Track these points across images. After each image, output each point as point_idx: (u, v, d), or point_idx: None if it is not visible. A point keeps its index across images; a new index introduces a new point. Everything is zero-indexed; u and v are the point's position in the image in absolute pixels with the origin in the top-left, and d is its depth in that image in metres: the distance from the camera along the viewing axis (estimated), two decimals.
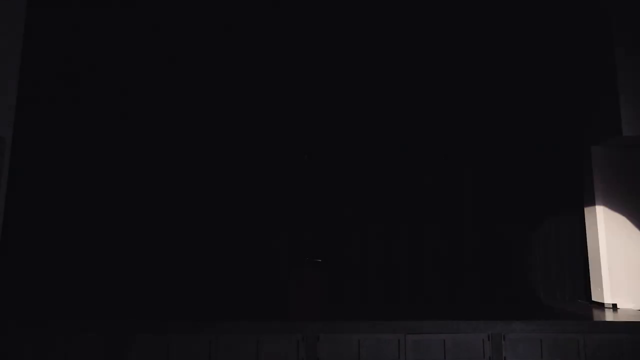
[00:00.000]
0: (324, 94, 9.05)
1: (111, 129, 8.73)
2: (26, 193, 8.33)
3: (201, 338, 6.30)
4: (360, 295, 8.55)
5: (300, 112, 9.02)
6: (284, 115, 9.02)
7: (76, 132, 8.65)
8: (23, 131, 8.37)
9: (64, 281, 8.17)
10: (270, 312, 7.26)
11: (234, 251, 8.61)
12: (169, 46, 8.97)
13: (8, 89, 8.09)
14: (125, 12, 8.94)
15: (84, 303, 7.80)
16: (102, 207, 8.53)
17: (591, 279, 8.55)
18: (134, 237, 8.48)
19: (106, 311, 7.29)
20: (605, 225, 8.39)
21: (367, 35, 9.07)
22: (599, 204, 8.43)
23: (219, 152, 8.89)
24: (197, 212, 8.65)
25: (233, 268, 8.53)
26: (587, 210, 8.69)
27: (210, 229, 8.62)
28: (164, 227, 8.56)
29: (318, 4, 8.96)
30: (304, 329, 6.38)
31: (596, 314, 7.50)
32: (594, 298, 8.43)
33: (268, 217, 8.75)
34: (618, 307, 8.08)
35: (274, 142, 8.97)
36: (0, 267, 7.96)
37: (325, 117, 9.01)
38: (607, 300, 8.18)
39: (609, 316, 7.35)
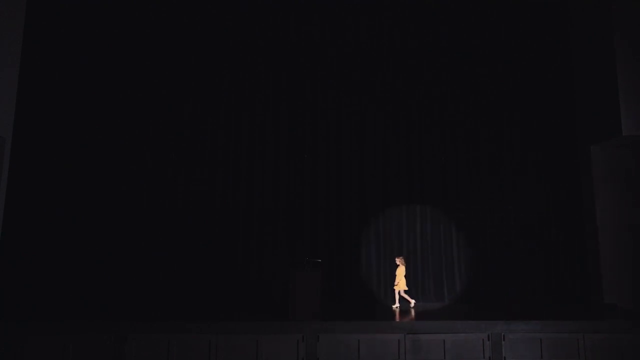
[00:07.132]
0: (324, 95, 9.05)
1: (110, 128, 8.72)
2: (26, 193, 8.33)
3: (201, 338, 6.31)
4: (361, 295, 8.54)
5: (300, 113, 9.03)
6: (285, 115, 9.02)
7: (76, 132, 8.64)
8: (23, 131, 8.40)
9: (64, 281, 8.16)
10: (270, 312, 7.26)
11: (234, 251, 8.60)
12: (168, 46, 8.97)
13: (8, 89, 8.13)
14: (125, 13, 8.94)
15: (84, 303, 7.79)
16: (102, 207, 8.51)
17: (591, 279, 8.54)
18: (134, 238, 8.46)
19: (106, 311, 7.30)
20: (604, 224, 8.38)
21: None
22: (599, 204, 8.41)
23: (220, 153, 8.88)
24: (197, 213, 8.64)
25: (233, 268, 8.52)
26: (586, 210, 8.67)
27: (210, 229, 8.61)
28: (164, 228, 8.54)
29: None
30: (304, 329, 6.39)
31: (596, 314, 7.51)
32: (595, 298, 8.42)
33: (268, 217, 8.74)
34: (618, 307, 8.06)
35: (275, 143, 8.96)
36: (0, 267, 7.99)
37: (325, 117, 9.02)
38: (607, 300, 8.18)
39: (609, 316, 7.35)
